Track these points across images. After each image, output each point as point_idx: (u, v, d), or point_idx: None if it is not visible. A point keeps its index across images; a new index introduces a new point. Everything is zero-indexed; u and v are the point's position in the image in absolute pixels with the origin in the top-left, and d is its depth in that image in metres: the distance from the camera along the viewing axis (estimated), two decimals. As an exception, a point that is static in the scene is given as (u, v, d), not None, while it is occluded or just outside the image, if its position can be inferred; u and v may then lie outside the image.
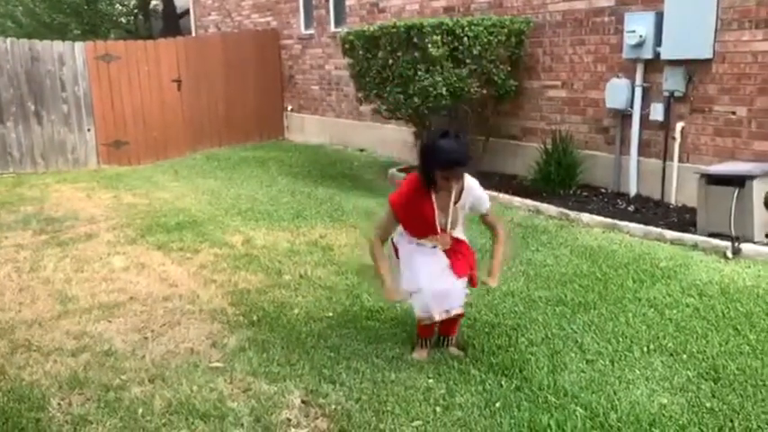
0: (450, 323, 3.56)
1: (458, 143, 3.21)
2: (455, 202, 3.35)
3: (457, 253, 3.46)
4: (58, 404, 3.17)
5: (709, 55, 5.75)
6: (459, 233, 3.50)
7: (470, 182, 3.39)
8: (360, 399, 3.13)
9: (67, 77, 9.72)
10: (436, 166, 3.20)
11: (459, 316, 3.56)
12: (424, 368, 3.41)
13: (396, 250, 3.56)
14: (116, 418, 3.04)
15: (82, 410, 3.10)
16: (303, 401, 3.14)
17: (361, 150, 10.30)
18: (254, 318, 4.12)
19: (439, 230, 3.37)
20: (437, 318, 3.40)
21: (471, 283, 3.53)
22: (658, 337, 3.65)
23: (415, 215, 3.35)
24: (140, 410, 3.09)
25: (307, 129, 11.73)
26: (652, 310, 4.01)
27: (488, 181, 7.39)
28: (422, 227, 3.38)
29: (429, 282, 3.35)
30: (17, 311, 4.34)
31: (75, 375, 3.42)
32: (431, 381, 3.29)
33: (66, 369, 3.51)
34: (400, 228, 3.49)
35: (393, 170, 8.23)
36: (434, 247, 3.42)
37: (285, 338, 3.80)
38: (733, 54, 5.64)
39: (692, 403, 3.03)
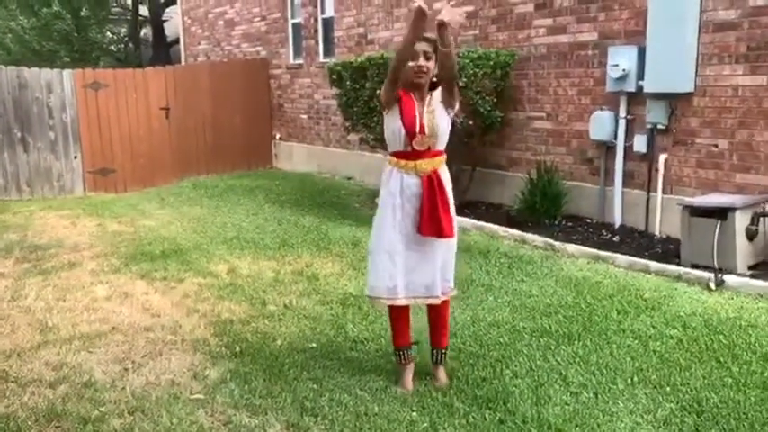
0: (438, 325, 3.55)
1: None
2: (429, 101, 3.32)
3: (431, 204, 3.32)
4: (35, 437, 3.12)
5: (690, 89, 5.85)
6: (444, 169, 3.42)
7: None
8: (342, 432, 3.10)
9: (55, 105, 9.73)
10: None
11: (446, 310, 3.54)
12: (407, 401, 3.38)
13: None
14: (93, 451, 2.98)
15: (58, 444, 3.05)
16: (284, 434, 3.10)
17: (349, 179, 10.33)
18: (237, 349, 4.07)
19: (418, 130, 3.28)
20: (400, 301, 3.37)
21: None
22: (642, 369, 3.65)
23: (405, 109, 3.29)
24: (118, 444, 3.04)
25: (295, 157, 11.77)
26: (636, 341, 4.02)
27: (474, 210, 7.46)
28: (407, 126, 3.28)
29: (401, 256, 3.33)
30: (-4, 341, 4.28)
31: (52, 407, 3.36)
32: (414, 414, 3.26)
33: (43, 401, 3.45)
34: (382, 189, 3.44)
35: (378, 199, 8.24)
36: (415, 175, 3.32)
37: (267, 370, 3.76)
38: (714, 88, 5.74)
39: (675, 437, 3.02)
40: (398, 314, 3.52)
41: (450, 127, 3.43)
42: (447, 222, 3.33)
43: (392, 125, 3.35)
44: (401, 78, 3.28)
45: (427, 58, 3.26)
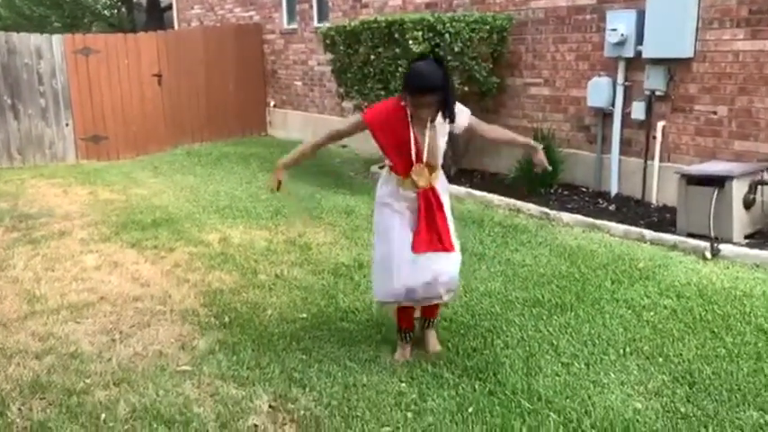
0: (431, 308, 3.51)
1: (433, 68, 3.05)
2: (431, 127, 3.18)
3: (430, 219, 3.24)
4: (19, 409, 3.08)
5: (690, 54, 5.72)
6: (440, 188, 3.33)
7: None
8: (329, 404, 3.06)
9: (45, 71, 9.56)
10: (407, 91, 3.09)
11: (438, 304, 3.49)
12: (396, 371, 3.34)
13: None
14: (77, 424, 2.95)
15: (42, 416, 3.01)
16: (271, 407, 3.06)
17: (344, 147, 10.17)
18: (226, 319, 4.03)
19: (414, 159, 3.17)
20: (405, 303, 3.31)
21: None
22: (635, 340, 3.61)
23: (392, 140, 3.18)
24: (103, 416, 3.00)
25: (289, 124, 11.62)
26: (629, 311, 3.97)
27: (469, 179, 7.37)
28: (400, 153, 3.18)
29: (401, 253, 3.22)
30: (-18, 312, 4.23)
31: (37, 379, 3.33)
32: (403, 385, 3.22)
33: (29, 372, 3.41)
34: (381, 188, 3.36)
35: (374, 167, 8.14)
36: (414, 191, 3.23)
37: (256, 341, 3.72)
38: (714, 53, 5.62)
39: (666, 408, 2.98)
40: (405, 307, 3.44)
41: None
42: (445, 235, 3.25)
43: (381, 148, 3.28)
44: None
45: (430, 106, 3.09)
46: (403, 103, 3.15)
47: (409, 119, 3.14)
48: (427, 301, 3.37)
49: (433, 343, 3.55)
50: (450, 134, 3.33)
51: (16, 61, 9.38)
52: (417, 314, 3.57)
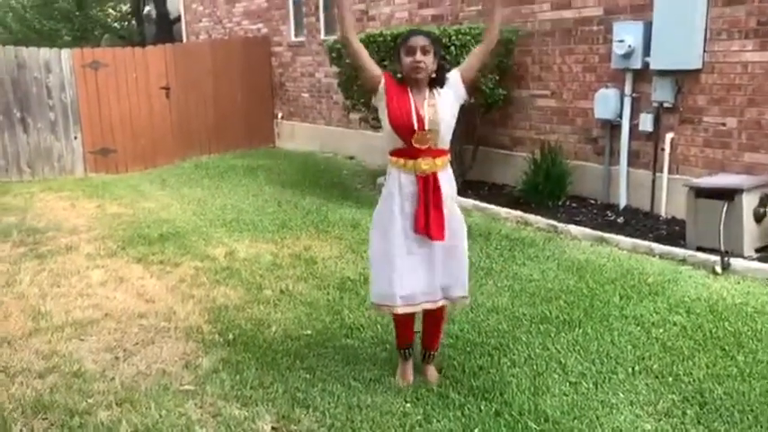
0: (431, 332, 3.41)
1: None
2: (429, 96, 3.14)
3: (427, 200, 3.15)
4: (21, 430, 3.06)
5: (698, 65, 5.67)
6: (446, 170, 3.23)
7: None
8: (333, 425, 3.02)
9: (54, 84, 9.61)
10: (399, 51, 3.12)
11: (440, 318, 3.37)
12: (401, 391, 3.30)
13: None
14: (78, 445, 2.93)
15: (44, 437, 2.99)
16: (274, 428, 3.03)
17: (351, 158, 10.20)
18: (230, 336, 4.00)
19: (416, 126, 3.07)
20: (399, 310, 3.17)
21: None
22: (644, 358, 3.55)
23: (395, 101, 3.12)
24: (105, 437, 2.98)
25: (297, 136, 11.63)
26: (638, 328, 3.91)
27: (477, 191, 7.33)
28: (403, 122, 3.10)
29: (403, 260, 3.14)
30: (-13, 329, 4.22)
31: (40, 399, 3.31)
32: (408, 405, 3.18)
33: (31, 392, 3.39)
34: (386, 181, 3.28)
35: (381, 179, 8.13)
36: (413, 173, 3.15)
37: (260, 359, 3.69)
38: (722, 64, 5.56)
39: (676, 430, 2.93)
40: (402, 318, 3.32)
41: (455, 119, 3.22)
42: (435, 224, 3.14)
43: (384, 120, 3.17)
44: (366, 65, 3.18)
45: (425, 53, 3.07)
46: (403, 82, 3.16)
47: (409, 92, 3.14)
48: (428, 305, 3.23)
49: (432, 375, 3.43)
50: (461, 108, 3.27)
51: (26, 75, 9.44)
52: (417, 328, 3.47)
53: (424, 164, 3.14)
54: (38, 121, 9.60)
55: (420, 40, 3.09)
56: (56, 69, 9.60)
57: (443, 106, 3.15)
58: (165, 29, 18.31)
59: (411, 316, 3.34)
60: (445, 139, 3.20)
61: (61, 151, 9.80)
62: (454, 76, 3.23)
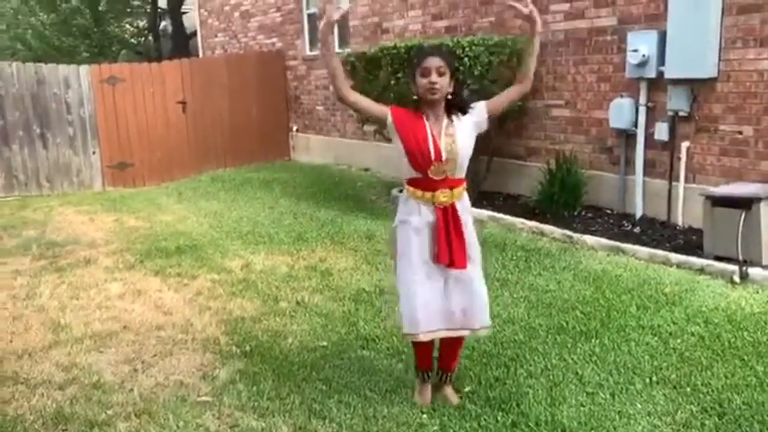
0: (449, 355, 3.34)
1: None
2: (448, 125, 3.08)
3: (448, 229, 3.11)
4: (41, 441, 3.10)
5: (713, 74, 5.65)
6: (463, 198, 3.19)
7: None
8: (349, 436, 3.03)
9: (73, 100, 9.77)
10: (413, 68, 3.05)
11: (459, 343, 3.32)
12: (417, 402, 3.30)
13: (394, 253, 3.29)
14: (98, 456, 2.96)
15: (64, 449, 3.03)
16: (291, 439, 3.05)
17: (366, 170, 10.24)
18: (247, 348, 4.03)
19: (433, 157, 3.02)
20: (422, 337, 3.11)
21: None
22: (661, 369, 3.53)
23: (412, 133, 3.06)
24: (124, 448, 3.01)
25: (312, 149, 11.70)
26: (656, 338, 3.89)
27: (492, 201, 7.33)
28: (420, 151, 3.05)
29: (423, 286, 3.09)
30: (8, 341, 4.28)
31: (60, 410, 3.35)
32: (424, 416, 3.18)
33: (52, 403, 3.43)
34: (400, 208, 3.24)
35: (395, 191, 8.15)
36: (433, 204, 3.10)
37: (277, 370, 3.71)
38: (738, 73, 5.54)
39: (695, 440, 2.90)
40: (422, 343, 3.25)
41: (472, 148, 3.17)
42: (458, 253, 3.10)
43: (399, 149, 3.12)
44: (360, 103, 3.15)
45: (440, 74, 3.00)
46: (418, 109, 3.10)
47: (425, 119, 3.08)
48: (448, 333, 3.18)
49: (451, 396, 3.37)
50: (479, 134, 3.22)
51: (45, 91, 9.61)
52: (435, 353, 3.41)
53: (443, 196, 3.10)
54: (57, 136, 9.76)
55: (435, 62, 3.01)
56: (74, 85, 9.76)
57: (462, 135, 3.08)
58: (182, 44, 18.53)
59: (431, 342, 3.27)
60: (462, 167, 3.14)
61: (80, 166, 9.93)
62: (480, 108, 3.16)
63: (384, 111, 3.15)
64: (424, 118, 3.09)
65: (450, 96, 3.09)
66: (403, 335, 3.25)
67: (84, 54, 16.08)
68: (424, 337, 3.13)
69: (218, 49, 14.28)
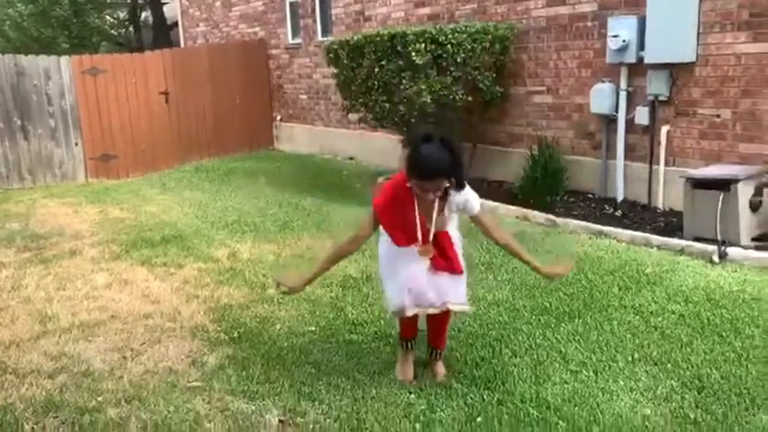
0: (436, 332, 3.43)
1: (439, 151, 2.94)
2: (439, 212, 3.13)
3: (440, 250, 3.22)
4: (32, 429, 3.11)
5: (692, 58, 5.73)
6: (449, 229, 3.28)
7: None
8: (339, 417, 3.08)
9: (54, 92, 9.67)
10: (412, 175, 3.01)
11: (445, 320, 3.39)
12: (405, 383, 3.36)
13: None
14: (90, 442, 2.99)
15: (55, 435, 3.05)
16: (281, 420, 3.08)
17: (351, 159, 10.27)
18: (236, 334, 4.06)
19: (420, 239, 3.13)
20: (408, 313, 3.18)
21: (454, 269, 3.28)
22: (643, 346, 3.61)
23: (398, 221, 3.14)
24: (115, 433, 3.04)
25: (296, 138, 11.70)
26: (637, 317, 3.97)
27: (476, 188, 7.33)
28: (404, 234, 3.16)
29: (406, 271, 3.18)
30: (-5, 332, 4.28)
31: (50, 398, 3.36)
32: (412, 396, 3.24)
33: (41, 392, 3.45)
34: (385, 235, 3.32)
35: (381, 179, 8.18)
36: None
37: (266, 355, 3.75)
38: (716, 57, 5.63)
39: (675, 414, 2.98)
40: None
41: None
42: (456, 262, 3.24)
43: (384, 228, 3.22)
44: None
45: (437, 189, 3.03)
46: (408, 185, 3.07)
47: (415, 201, 3.09)
48: (435, 309, 3.25)
49: (440, 371, 3.45)
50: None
51: (25, 83, 9.50)
52: (422, 327, 3.50)
53: (425, 253, 3.17)
54: (38, 128, 9.66)
55: (435, 184, 3.00)
56: (55, 76, 9.66)
57: (451, 210, 3.17)
58: (163, 34, 18.39)
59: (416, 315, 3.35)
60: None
61: (62, 158, 9.86)
62: (470, 207, 3.20)
63: (374, 223, 3.20)
64: (415, 201, 3.10)
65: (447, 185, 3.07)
66: (391, 313, 3.31)
67: (64, 45, 15.90)
68: (409, 313, 3.20)
69: (199, 39, 14.19)
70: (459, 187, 3.09)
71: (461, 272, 3.27)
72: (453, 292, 3.24)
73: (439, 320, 3.38)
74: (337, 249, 3.33)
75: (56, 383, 3.53)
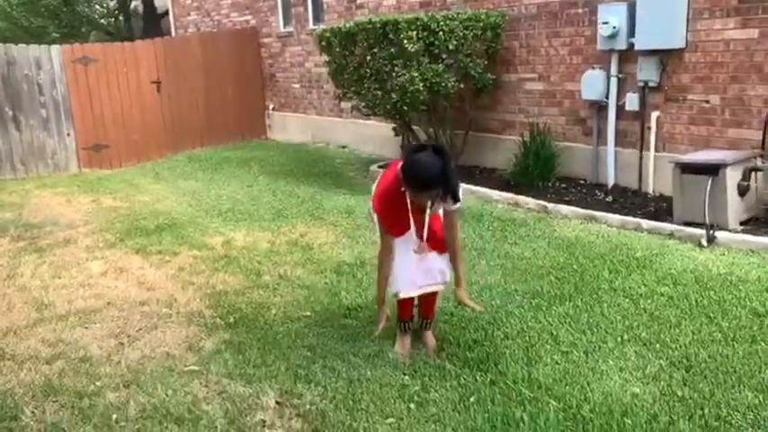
0: (426, 304, 3.60)
1: (432, 162, 3.04)
2: (432, 206, 3.29)
3: (431, 232, 3.38)
4: (32, 412, 3.16)
5: (681, 44, 5.78)
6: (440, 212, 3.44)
7: None
8: (334, 398, 3.14)
9: (45, 81, 9.63)
10: (406, 185, 3.15)
11: (435, 296, 3.60)
12: (399, 365, 3.42)
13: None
14: (90, 425, 3.03)
15: (55, 418, 3.09)
16: (278, 402, 3.14)
17: (343, 147, 10.29)
18: (231, 320, 4.11)
19: (426, 238, 3.34)
20: (413, 293, 3.43)
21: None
22: (632, 327, 3.68)
23: (394, 217, 3.30)
24: (114, 416, 3.09)
25: (289, 127, 11.70)
26: (627, 300, 4.04)
27: (468, 175, 7.43)
28: (398, 226, 3.32)
29: (400, 258, 3.36)
30: (-8, 320, 4.31)
31: (49, 383, 3.41)
32: (406, 378, 3.30)
33: (40, 377, 3.49)
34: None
35: (374, 167, 8.23)
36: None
37: (262, 339, 3.80)
38: (705, 43, 5.68)
39: (663, 392, 3.05)
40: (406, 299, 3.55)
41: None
42: (443, 243, 3.42)
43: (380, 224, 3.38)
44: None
45: (429, 198, 3.19)
46: (403, 189, 3.18)
47: (409, 204, 3.24)
48: (429, 288, 3.48)
49: (430, 341, 3.64)
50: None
51: (16, 73, 9.46)
52: (416, 311, 3.66)
53: (420, 251, 3.39)
54: (30, 118, 9.62)
55: (428, 194, 3.14)
56: (46, 66, 9.62)
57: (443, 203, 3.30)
58: (153, 23, 18.28)
59: (413, 297, 3.56)
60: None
61: (54, 148, 9.83)
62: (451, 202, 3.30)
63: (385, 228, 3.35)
64: (408, 204, 3.24)
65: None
66: (396, 295, 3.45)
67: (54, 35, 15.84)
68: (414, 293, 3.44)
69: (190, 28, 14.13)
70: (455, 201, 3.24)
71: (446, 251, 3.46)
72: (440, 274, 3.47)
73: (430, 296, 3.59)
74: (383, 269, 3.40)
75: (54, 369, 3.58)
